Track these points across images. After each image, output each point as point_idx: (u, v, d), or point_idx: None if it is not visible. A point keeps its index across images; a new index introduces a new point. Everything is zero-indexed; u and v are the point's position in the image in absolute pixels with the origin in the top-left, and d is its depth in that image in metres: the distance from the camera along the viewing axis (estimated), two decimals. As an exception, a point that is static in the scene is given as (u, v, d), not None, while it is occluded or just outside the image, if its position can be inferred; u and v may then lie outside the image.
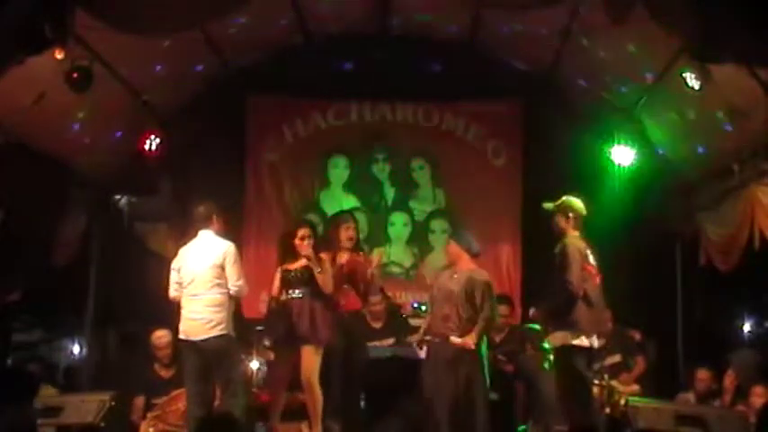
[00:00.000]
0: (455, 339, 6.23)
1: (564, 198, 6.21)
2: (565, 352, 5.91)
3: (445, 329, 6.33)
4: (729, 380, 6.79)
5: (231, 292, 5.90)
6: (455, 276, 6.40)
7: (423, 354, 6.71)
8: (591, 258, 6.04)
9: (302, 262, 6.30)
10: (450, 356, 6.25)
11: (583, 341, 5.87)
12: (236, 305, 6.19)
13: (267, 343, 6.96)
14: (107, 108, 7.33)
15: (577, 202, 6.18)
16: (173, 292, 6.04)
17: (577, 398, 5.92)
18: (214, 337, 5.85)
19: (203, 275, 5.92)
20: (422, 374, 6.42)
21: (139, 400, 6.94)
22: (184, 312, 5.96)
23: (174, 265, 6.08)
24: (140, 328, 7.89)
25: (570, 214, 6.10)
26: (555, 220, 6.14)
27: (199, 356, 5.91)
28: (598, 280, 6.06)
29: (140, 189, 8.55)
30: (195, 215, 6.14)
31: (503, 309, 7.28)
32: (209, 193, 7.07)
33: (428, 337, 6.50)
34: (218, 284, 5.90)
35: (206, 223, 6.09)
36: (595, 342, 5.98)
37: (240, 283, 5.93)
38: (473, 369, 6.24)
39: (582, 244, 6.01)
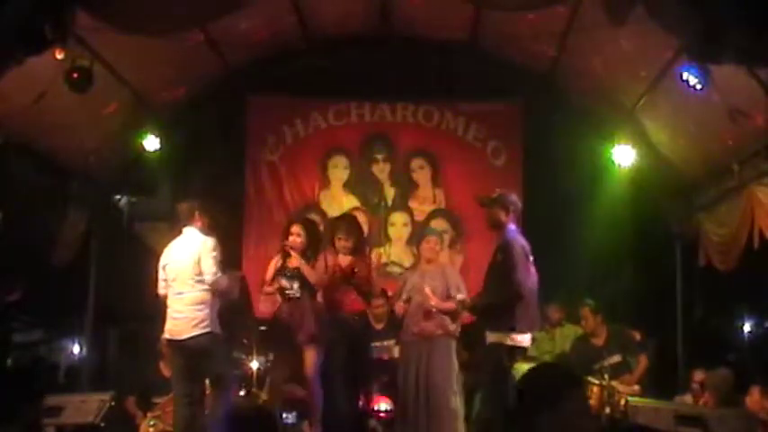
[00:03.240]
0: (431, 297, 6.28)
1: (500, 191, 6.15)
2: (496, 349, 5.81)
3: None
4: (704, 401, 6.70)
5: (207, 281, 5.79)
6: (429, 274, 6.49)
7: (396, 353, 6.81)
8: (530, 257, 6.00)
9: (293, 260, 6.33)
10: (419, 356, 6.32)
11: (519, 341, 5.84)
12: (247, 304, 6.20)
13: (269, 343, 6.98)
14: (107, 108, 7.34)
15: (515, 196, 6.13)
16: (161, 290, 6.00)
17: (487, 400, 5.90)
18: (197, 336, 5.79)
19: (184, 273, 5.86)
20: (398, 374, 6.49)
21: (131, 399, 6.94)
22: (169, 311, 5.91)
23: (161, 262, 6.03)
24: (140, 328, 7.90)
25: (510, 207, 6.00)
26: (492, 214, 6.01)
27: (184, 356, 5.87)
28: (535, 279, 6.01)
29: (140, 189, 8.56)
30: (179, 212, 6.08)
31: None
32: (210, 193, 7.08)
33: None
34: (200, 281, 5.82)
35: (189, 220, 6.04)
36: (527, 341, 5.95)
37: (213, 271, 5.78)
38: (442, 364, 6.32)
39: (523, 241, 5.95)
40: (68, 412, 6.24)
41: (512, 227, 5.96)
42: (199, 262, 5.82)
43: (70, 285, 8.39)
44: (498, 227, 6.01)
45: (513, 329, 5.77)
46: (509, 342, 5.78)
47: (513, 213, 6.01)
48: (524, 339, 5.86)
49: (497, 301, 5.84)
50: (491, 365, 5.88)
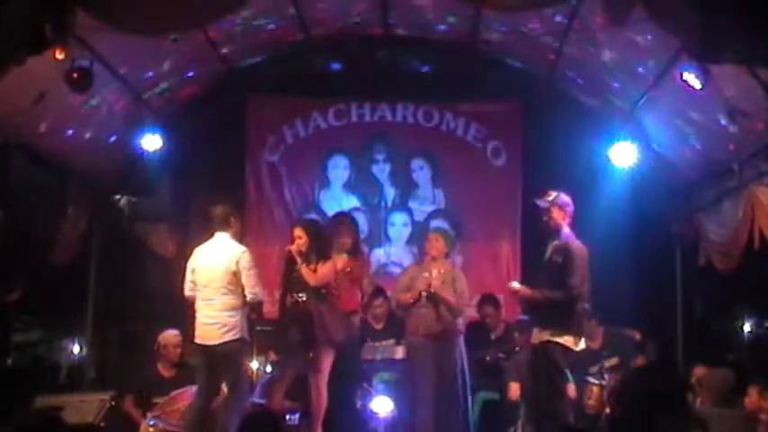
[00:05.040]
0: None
1: (556, 193, 6.16)
2: (545, 349, 5.84)
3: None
4: (701, 401, 6.68)
5: (248, 298, 5.88)
6: (441, 273, 6.49)
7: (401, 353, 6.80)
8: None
9: (297, 265, 6.34)
10: (430, 355, 6.33)
11: (569, 342, 5.83)
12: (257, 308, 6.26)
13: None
14: (107, 108, 7.34)
15: (569, 198, 6.15)
16: (187, 291, 6.06)
17: (552, 398, 5.88)
18: (228, 342, 5.85)
19: (216, 280, 5.91)
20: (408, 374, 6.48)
21: (129, 399, 6.94)
22: (199, 316, 5.97)
23: (190, 264, 6.09)
24: (140, 328, 7.90)
25: (567, 209, 6.06)
26: (550, 215, 6.06)
27: (211, 358, 5.93)
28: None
29: (140, 189, 8.56)
30: (213, 216, 6.11)
31: (487, 309, 7.41)
32: (210, 192, 7.08)
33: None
34: (232, 289, 5.88)
35: (223, 226, 6.06)
36: (582, 344, 5.95)
37: (257, 290, 5.90)
38: (452, 363, 6.33)
39: (582, 245, 5.98)
40: (68, 412, 6.23)
41: (567, 229, 6.00)
42: (235, 272, 5.84)
43: (70, 285, 8.38)
44: (556, 229, 6.04)
45: (566, 330, 5.77)
46: (558, 340, 5.77)
47: (569, 216, 6.04)
48: (572, 342, 5.82)
49: (552, 299, 5.84)
50: (545, 366, 5.86)
